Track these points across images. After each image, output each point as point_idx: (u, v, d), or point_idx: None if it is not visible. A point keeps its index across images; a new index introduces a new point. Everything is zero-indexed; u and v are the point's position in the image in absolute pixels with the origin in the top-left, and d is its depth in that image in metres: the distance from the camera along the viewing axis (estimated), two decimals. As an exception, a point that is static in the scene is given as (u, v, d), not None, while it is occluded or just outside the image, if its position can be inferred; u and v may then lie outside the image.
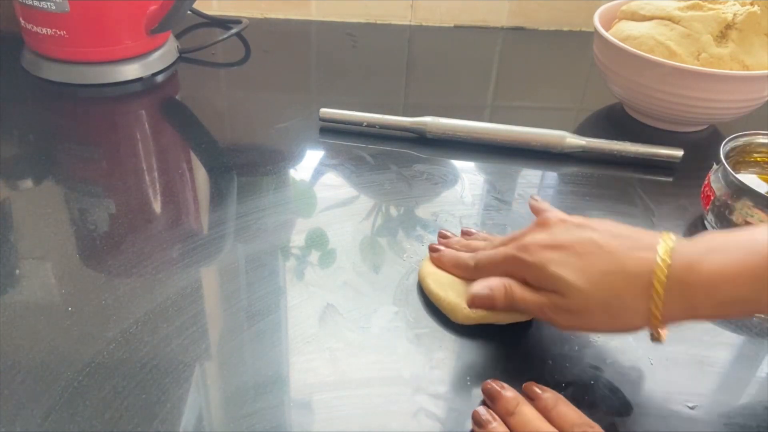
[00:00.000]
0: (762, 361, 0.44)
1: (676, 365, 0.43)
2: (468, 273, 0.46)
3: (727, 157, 0.53)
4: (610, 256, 0.39)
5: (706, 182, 0.54)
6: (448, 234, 0.52)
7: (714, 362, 0.44)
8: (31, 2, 0.68)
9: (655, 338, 0.39)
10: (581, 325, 0.41)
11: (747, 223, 0.50)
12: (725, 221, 0.52)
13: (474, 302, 0.43)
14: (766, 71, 0.62)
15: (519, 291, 0.42)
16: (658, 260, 0.37)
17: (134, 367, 0.41)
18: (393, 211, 0.57)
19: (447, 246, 0.50)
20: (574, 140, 0.64)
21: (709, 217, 0.54)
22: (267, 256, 0.51)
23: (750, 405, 0.41)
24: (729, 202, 0.51)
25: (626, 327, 0.39)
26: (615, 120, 0.73)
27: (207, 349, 0.43)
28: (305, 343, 0.43)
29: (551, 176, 0.63)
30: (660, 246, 0.38)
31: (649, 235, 0.40)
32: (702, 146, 0.68)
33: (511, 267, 0.43)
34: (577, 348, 0.44)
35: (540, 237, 0.42)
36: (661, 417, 0.40)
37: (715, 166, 0.54)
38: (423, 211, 0.57)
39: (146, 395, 0.39)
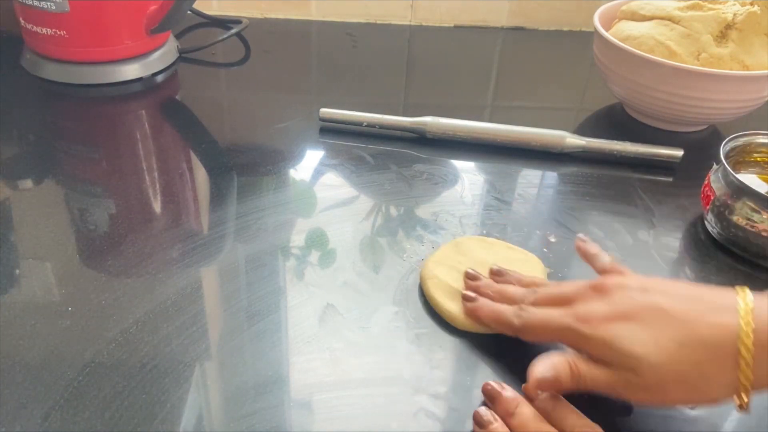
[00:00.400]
0: (762, 361, 0.44)
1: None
2: (512, 332, 0.42)
3: (727, 157, 0.53)
4: (684, 324, 0.35)
5: (706, 182, 0.54)
6: (477, 275, 0.47)
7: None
8: (31, 2, 0.68)
9: (743, 408, 0.35)
10: (658, 402, 0.37)
11: (747, 223, 0.50)
12: (725, 221, 0.52)
13: (539, 385, 0.38)
14: (766, 71, 0.62)
15: (586, 369, 0.37)
16: (742, 324, 0.34)
17: (134, 367, 0.41)
18: (393, 211, 0.57)
19: (478, 291, 0.45)
20: (574, 140, 0.64)
21: (709, 217, 0.54)
22: (267, 256, 0.51)
23: (750, 405, 0.41)
24: (729, 202, 0.51)
25: (709, 399, 0.36)
26: (615, 120, 0.73)
27: (207, 349, 0.43)
28: (305, 343, 0.43)
29: (551, 176, 0.63)
30: (740, 308, 0.35)
31: (722, 295, 0.36)
32: (702, 146, 0.68)
33: (568, 339, 0.39)
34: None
35: (599, 307, 0.38)
36: (661, 417, 0.40)
37: (715, 166, 0.54)
38: (423, 211, 0.57)
39: (146, 395, 0.39)
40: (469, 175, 0.62)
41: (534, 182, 0.62)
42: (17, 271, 0.48)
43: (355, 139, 0.66)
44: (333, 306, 0.46)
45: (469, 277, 0.47)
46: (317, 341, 0.43)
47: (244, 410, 0.39)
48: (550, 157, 0.65)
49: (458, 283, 0.47)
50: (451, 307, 0.45)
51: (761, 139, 0.56)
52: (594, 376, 0.37)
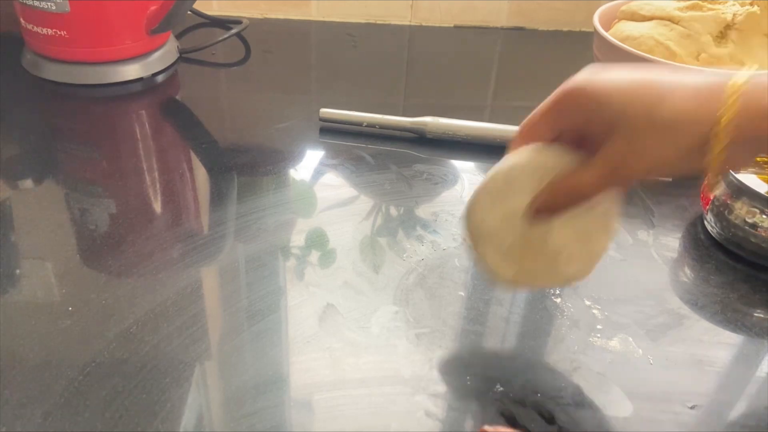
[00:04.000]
0: (762, 361, 0.44)
1: (676, 365, 0.43)
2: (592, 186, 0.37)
3: None
4: (675, 75, 0.35)
5: (705, 182, 0.54)
6: None
7: (714, 362, 0.44)
8: (31, 2, 0.68)
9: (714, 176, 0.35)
10: (650, 162, 0.35)
11: (746, 224, 0.50)
12: (725, 221, 0.52)
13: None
14: (766, 71, 0.62)
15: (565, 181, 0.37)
16: (731, 81, 0.33)
17: (134, 367, 0.41)
18: (393, 211, 0.57)
19: None
20: None
21: (709, 217, 0.54)
22: (267, 256, 0.51)
23: (750, 405, 0.41)
24: (729, 202, 0.51)
25: (674, 152, 0.34)
26: (615, 120, 0.73)
27: (207, 349, 0.43)
28: (305, 343, 0.43)
29: (551, 176, 0.63)
30: (738, 77, 0.34)
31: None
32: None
33: (564, 112, 0.37)
34: (577, 348, 0.44)
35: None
36: (661, 417, 0.40)
37: None
38: (423, 211, 0.57)
39: (146, 395, 0.39)
40: (469, 175, 0.62)
41: (534, 182, 0.62)
42: (17, 271, 0.48)
43: (355, 139, 0.66)
44: (333, 306, 0.46)
45: None
46: (317, 341, 0.43)
47: (244, 410, 0.39)
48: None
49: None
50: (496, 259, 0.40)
51: None
52: (579, 180, 0.37)
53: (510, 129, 0.65)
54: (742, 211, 0.51)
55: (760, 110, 0.33)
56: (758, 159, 0.56)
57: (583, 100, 0.36)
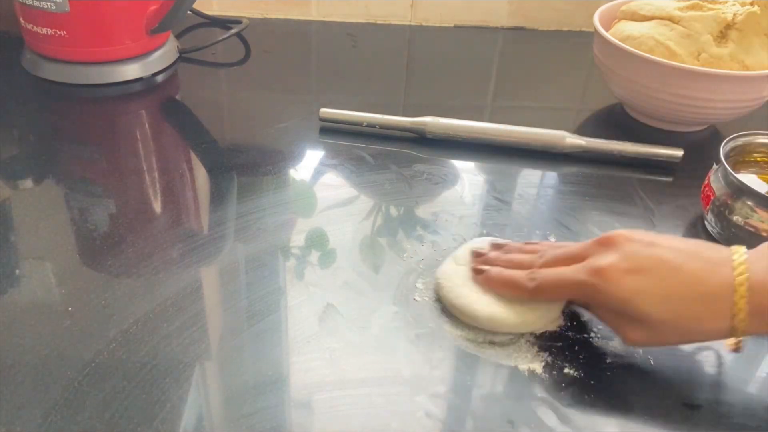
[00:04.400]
0: (762, 361, 0.44)
1: (676, 365, 0.43)
2: (528, 294, 0.43)
3: (727, 157, 0.53)
4: (687, 279, 0.39)
5: (706, 182, 0.54)
6: (483, 251, 0.48)
7: (714, 362, 0.44)
8: (31, 2, 0.68)
9: (738, 349, 0.41)
10: (655, 343, 0.42)
11: (747, 224, 0.50)
12: (725, 221, 0.52)
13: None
14: (766, 71, 0.62)
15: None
16: (735, 275, 0.38)
17: (134, 367, 0.41)
18: (393, 211, 0.57)
19: (488, 263, 0.46)
20: (574, 140, 0.64)
21: (709, 217, 0.54)
22: (267, 256, 0.51)
23: (750, 405, 0.41)
24: (729, 202, 0.51)
25: (701, 340, 0.41)
26: (615, 120, 0.73)
27: (207, 349, 0.43)
28: (305, 343, 0.43)
29: (551, 176, 0.63)
30: (735, 259, 0.38)
31: (718, 249, 0.40)
32: (702, 146, 0.68)
33: (583, 294, 0.42)
34: (577, 348, 0.44)
35: (612, 259, 0.40)
36: (661, 417, 0.40)
37: (715, 166, 0.54)
38: (423, 211, 0.57)
39: (146, 395, 0.39)
40: (469, 175, 0.62)
41: (534, 182, 0.62)
42: (17, 271, 0.48)
43: (355, 139, 0.66)
44: (333, 306, 0.46)
45: (476, 254, 0.48)
46: (317, 341, 0.43)
47: (244, 410, 0.39)
48: (550, 157, 0.65)
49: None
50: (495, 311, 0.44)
51: (761, 139, 0.56)
52: (603, 318, 0.43)
53: (510, 129, 0.65)
54: (742, 211, 0.51)
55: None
56: (758, 159, 0.57)
57: (602, 298, 0.41)
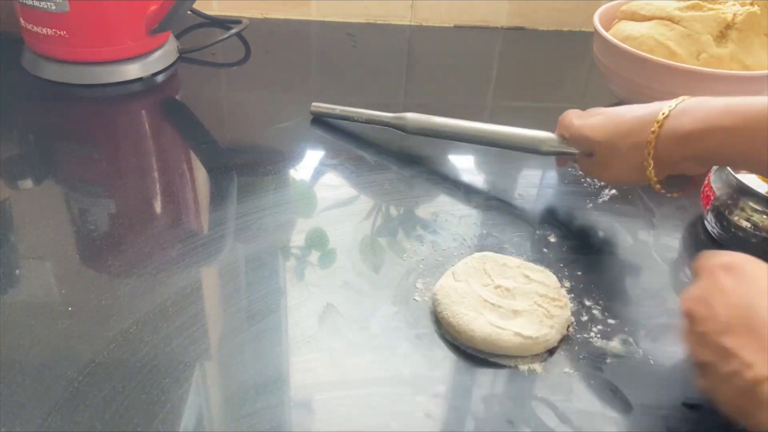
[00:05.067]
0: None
1: (676, 365, 0.43)
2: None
3: None
4: (624, 116, 0.50)
5: (706, 182, 0.54)
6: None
7: (714, 362, 0.44)
8: (31, 2, 0.68)
9: (658, 187, 0.49)
10: (602, 173, 0.53)
11: (747, 224, 0.50)
12: (725, 221, 0.52)
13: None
14: (766, 71, 0.62)
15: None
16: (659, 116, 0.46)
17: (134, 367, 0.41)
18: (393, 211, 0.57)
19: None
20: (555, 144, 0.57)
21: (709, 217, 0.54)
22: (267, 256, 0.51)
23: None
24: (729, 202, 0.51)
25: (633, 174, 0.49)
26: (615, 120, 0.73)
27: (207, 349, 0.43)
28: (305, 343, 0.43)
29: (551, 176, 0.63)
30: (664, 108, 0.47)
31: (659, 102, 0.49)
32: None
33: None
34: (577, 348, 0.44)
35: (579, 113, 0.54)
36: (661, 417, 0.40)
37: (715, 167, 0.54)
38: (423, 211, 0.57)
39: (146, 395, 0.39)
40: (469, 175, 0.62)
41: (534, 182, 0.62)
42: (17, 271, 0.48)
43: (355, 139, 0.66)
44: (333, 306, 0.46)
45: None
46: (317, 341, 0.43)
47: (244, 410, 0.39)
48: (550, 157, 0.64)
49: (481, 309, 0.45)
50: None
51: None
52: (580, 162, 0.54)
53: (489, 128, 0.61)
54: (742, 211, 0.51)
55: (671, 137, 0.46)
56: None
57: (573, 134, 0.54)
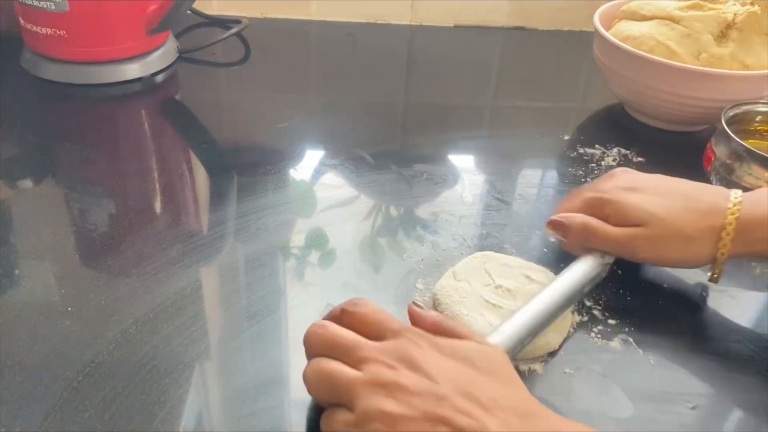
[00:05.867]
0: (762, 362, 0.44)
1: (676, 365, 0.43)
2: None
3: (728, 123, 0.56)
4: (685, 197, 0.45)
5: (708, 146, 0.58)
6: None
7: (714, 362, 0.44)
8: (31, 2, 0.68)
9: (715, 278, 0.46)
10: (657, 254, 0.46)
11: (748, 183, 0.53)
12: (726, 183, 0.54)
13: (549, 224, 0.48)
14: (766, 71, 0.62)
15: (597, 224, 0.46)
16: (730, 206, 0.44)
17: (134, 367, 0.41)
18: (393, 211, 0.57)
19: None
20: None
21: (712, 179, 0.56)
22: (267, 256, 0.51)
23: (750, 405, 0.41)
24: (728, 162, 0.54)
25: (695, 261, 0.45)
26: (615, 120, 0.73)
27: (207, 349, 0.43)
28: (305, 343, 0.43)
29: (551, 176, 0.63)
30: (731, 197, 0.44)
31: (717, 187, 0.47)
32: (702, 146, 0.68)
33: (592, 208, 0.47)
34: (577, 348, 0.44)
35: (614, 183, 0.48)
36: (661, 417, 0.40)
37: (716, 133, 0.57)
38: (423, 211, 0.57)
39: (146, 395, 0.39)
40: (469, 175, 0.62)
41: (534, 182, 0.62)
42: (17, 271, 0.48)
43: (355, 139, 0.66)
44: (333, 306, 0.46)
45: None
46: (317, 341, 0.43)
47: (244, 410, 0.39)
48: (550, 157, 0.65)
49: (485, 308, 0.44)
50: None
51: (761, 108, 0.59)
52: (606, 232, 0.46)
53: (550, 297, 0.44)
54: (743, 171, 0.54)
55: (748, 221, 0.43)
56: (759, 128, 0.60)
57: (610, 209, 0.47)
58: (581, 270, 0.45)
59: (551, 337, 0.43)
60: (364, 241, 0.53)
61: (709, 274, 0.46)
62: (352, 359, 0.35)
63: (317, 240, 0.53)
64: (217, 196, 0.58)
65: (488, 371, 0.33)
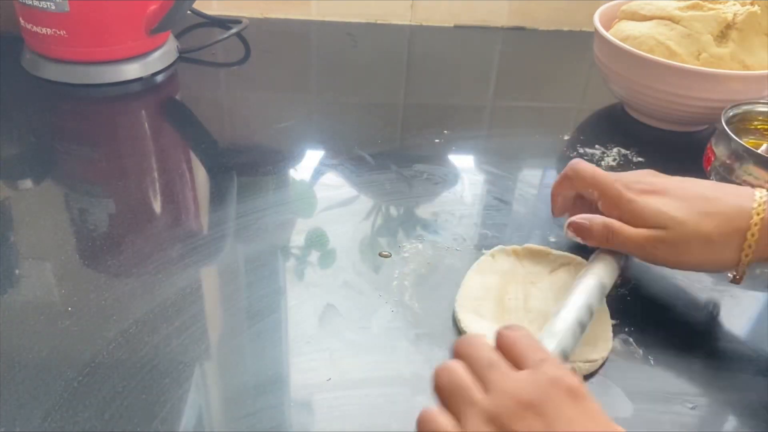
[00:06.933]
0: (762, 362, 0.44)
1: (676, 365, 0.43)
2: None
3: (728, 123, 0.56)
4: (708, 199, 0.44)
5: (708, 146, 0.58)
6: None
7: (714, 362, 0.44)
8: (31, 2, 0.68)
9: (737, 280, 0.45)
10: (678, 260, 0.45)
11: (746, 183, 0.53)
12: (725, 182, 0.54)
13: (570, 226, 0.48)
14: (766, 71, 0.62)
15: (619, 227, 0.45)
16: (755, 204, 0.42)
17: (134, 367, 0.41)
18: (393, 211, 0.57)
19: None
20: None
21: (712, 179, 0.56)
22: (267, 256, 0.51)
23: (750, 405, 0.41)
24: (728, 162, 0.54)
25: (717, 266, 0.44)
26: (615, 120, 0.73)
27: (207, 349, 0.43)
28: (305, 343, 0.43)
29: (551, 176, 0.63)
30: (756, 197, 0.43)
31: (741, 188, 0.45)
32: (702, 146, 0.68)
33: (612, 210, 0.46)
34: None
35: (638, 186, 0.46)
36: (661, 417, 0.40)
37: (716, 132, 0.57)
38: (423, 211, 0.57)
39: (146, 395, 0.39)
40: (469, 175, 0.62)
41: (534, 182, 0.62)
42: (17, 271, 0.48)
43: (355, 139, 0.66)
44: (333, 306, 0.46)
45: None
46: (317, 341, 0.43)
47: (244, 410, 0.39)
48: (550, 157, 0.65)
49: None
50: None
51: (761, 108, 0.59)
52: (627, 234, 0.45)
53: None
54: (742, 170, 0.54)
55: None
56: (759, 126, 0.60)
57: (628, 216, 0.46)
58: (606, 268, 0.46)
59: (579, 366, 0.42)
60: (364, 241, 0.53)
61: (730, 275, 0.45)
62: (485, 379, 0.33)
63: (317, 240, 0.53)
64: (217, 196, 0.58)
65: None
